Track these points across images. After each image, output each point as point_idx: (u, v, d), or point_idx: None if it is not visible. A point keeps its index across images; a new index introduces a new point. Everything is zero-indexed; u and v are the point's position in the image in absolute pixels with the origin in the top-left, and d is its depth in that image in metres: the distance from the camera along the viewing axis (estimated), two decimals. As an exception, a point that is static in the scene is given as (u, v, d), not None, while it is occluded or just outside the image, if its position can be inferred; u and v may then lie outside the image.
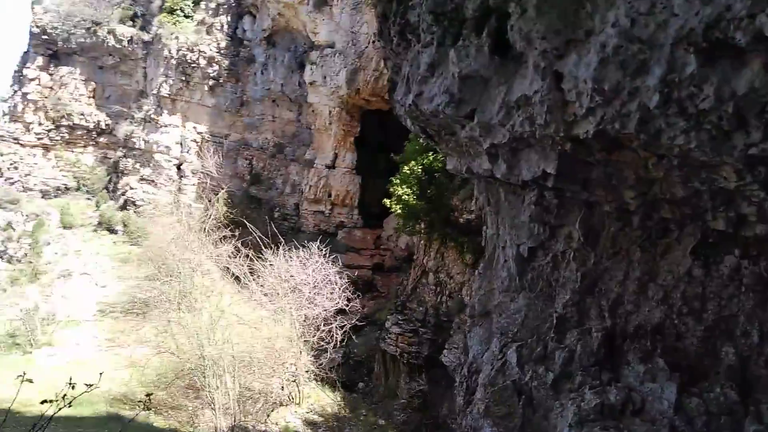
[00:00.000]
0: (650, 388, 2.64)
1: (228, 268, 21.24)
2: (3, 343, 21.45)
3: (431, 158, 15.80)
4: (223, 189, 29.29)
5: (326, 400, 18.11)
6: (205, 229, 27.31)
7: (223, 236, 26.28)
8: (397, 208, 16.45)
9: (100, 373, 4.79)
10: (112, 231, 32.51)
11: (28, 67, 33.71)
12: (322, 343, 18.46)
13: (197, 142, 33.05)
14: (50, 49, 34.25)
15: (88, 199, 34.89)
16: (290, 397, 17.29)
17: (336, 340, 18.49)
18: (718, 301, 2.64)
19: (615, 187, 2.58)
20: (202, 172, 32.94)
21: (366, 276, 24.53)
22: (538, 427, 2.83)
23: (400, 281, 20.77)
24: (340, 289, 19.14)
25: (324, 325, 18.59)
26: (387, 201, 16.99)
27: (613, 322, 2.94)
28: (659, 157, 2.21)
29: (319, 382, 18.83)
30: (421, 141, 16.48)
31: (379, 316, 21.59)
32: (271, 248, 20.90)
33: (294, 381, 17.38)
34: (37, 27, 33.16)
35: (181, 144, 33.27)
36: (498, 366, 3.16)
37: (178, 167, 33.81)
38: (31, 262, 26.92)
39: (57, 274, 26.37)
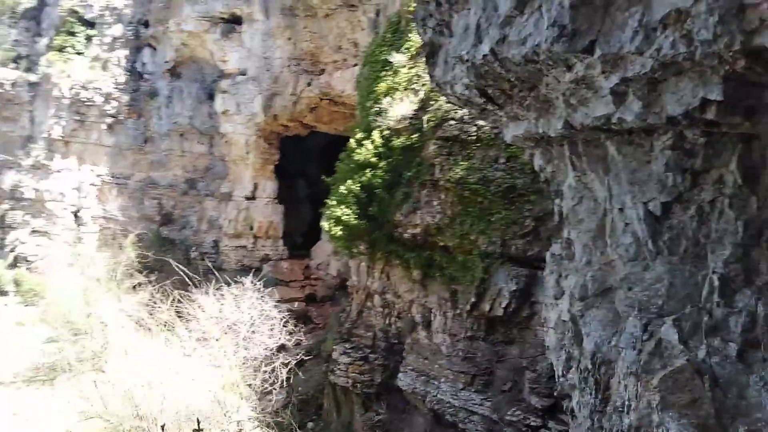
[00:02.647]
0: None
1: (150, 315, 19.33)
2: None
3: (369, 175, 15.23)
4: (131, 233, 27.01)
5: (276, 446, 16.70)
6: (114, 278, 25.01)
7: (138, 283, 24.15)
8: (337, 230, 15.65)
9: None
10: (1, 293, 29.02)
11: None
12: (266, 385, 17.12)
13: (96, 186, 30.42)
14: None
15: (-30, 259, 31.10)
16: (236, 449, 15.76)
17: (281, 380, 17.21)
18: None
19: (788, 112, 2.16)
20: (104, 218, 30.33)
21: (300, 308, 23.35)
22: (736, 409, 2.33)
23: (341, 309, 19.87)
24: (280, 323, 17.95)
25: (266, 365, 17.30)
26: (324, 225, 16.17)
27: (792, 273, 2.48)
28: None
29: (266, 428, 17.38)
30: (355, 158, 15.87)
31: (322, 349, 20.50)
32: (197, 287, 19.31)
33: (240, 430, 15.89)
34: None
35: (77, 189, 30.47)
36: (650, 348, 2.64)
37: (76, 215, 30.92)
38: None
39: (-61, 347, 22.82)
